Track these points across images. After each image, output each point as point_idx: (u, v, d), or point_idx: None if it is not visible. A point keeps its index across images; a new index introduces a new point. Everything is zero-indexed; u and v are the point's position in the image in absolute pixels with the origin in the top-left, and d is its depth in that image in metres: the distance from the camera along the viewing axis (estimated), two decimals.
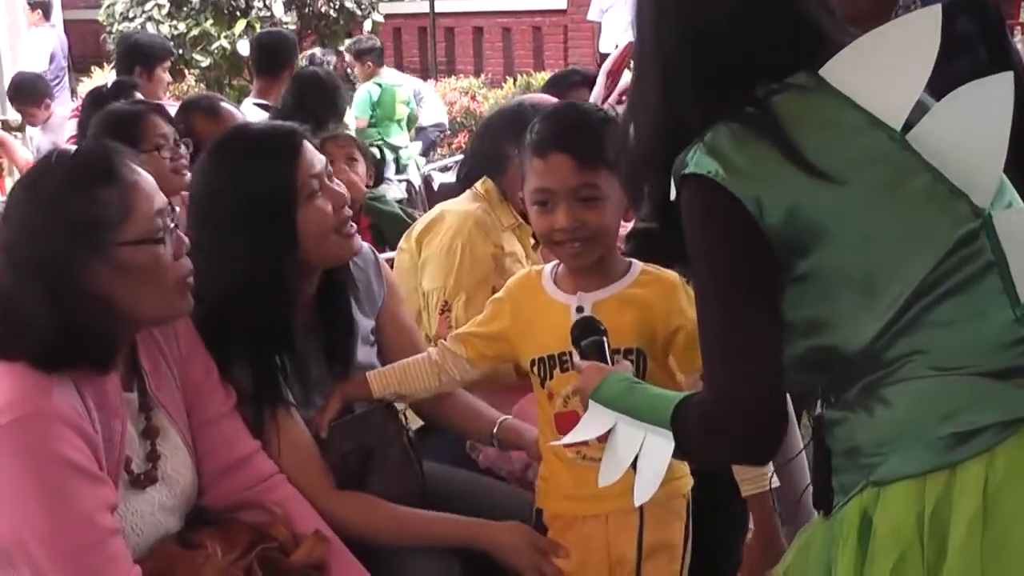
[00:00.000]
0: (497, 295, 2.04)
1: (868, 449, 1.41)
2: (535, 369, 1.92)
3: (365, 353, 2.16)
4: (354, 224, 2.04)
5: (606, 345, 1.76)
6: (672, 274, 1.89)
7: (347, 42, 8.66)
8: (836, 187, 1.38)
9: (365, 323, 2.17)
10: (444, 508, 2.02)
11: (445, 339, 2.07)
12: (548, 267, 1.97)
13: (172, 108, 4.28)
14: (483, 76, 11.71)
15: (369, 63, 7.59)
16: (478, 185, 2.68)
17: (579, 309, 1.85)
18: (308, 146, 1.98)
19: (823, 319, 1.42)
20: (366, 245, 2.27)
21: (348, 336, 2.10)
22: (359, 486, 1.99)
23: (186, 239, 1.77)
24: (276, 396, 1.95)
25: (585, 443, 1.81)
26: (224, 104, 3.48)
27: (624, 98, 2.84)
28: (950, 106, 1.44)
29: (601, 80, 2.80)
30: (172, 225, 1.73)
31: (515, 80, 9.35)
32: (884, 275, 1.38)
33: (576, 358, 1.77)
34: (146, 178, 1.73)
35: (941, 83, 1.43)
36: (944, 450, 1.36)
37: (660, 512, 1.89)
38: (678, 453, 1.53)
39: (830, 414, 1.46)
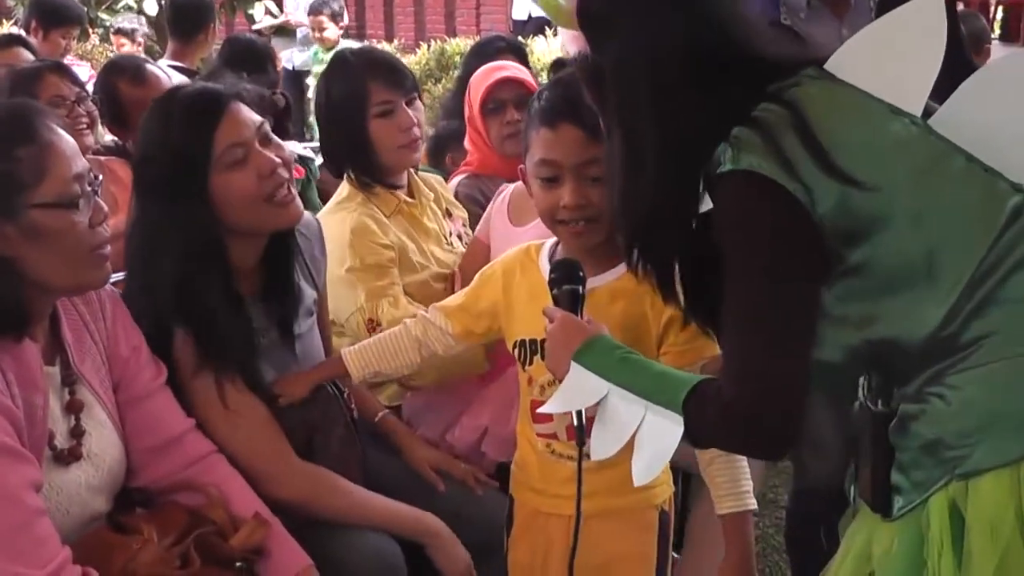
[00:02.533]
0: (489, 267, 1.95)
1: (952, 441, 1.37)
2: (516, 351, 1.84)
3: (308, 325, 2.10)
4: (291, 189, 1.94)
5: (582, 297, 1.69)
6: None
7: None
8: (871, 188, 1.36)
9: (309, 292, 2.11)
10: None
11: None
12: (548, 244, 1.87)
13: (79, 69, 4.14)
14: (395, 42, 11.54)
15: None
16: (342, 186, 2.50)
17: (556, 299, 1.73)
18: (236, 110, 1.88)
19: (880, 311, 1.39)
20: (309, 214, 2.19)
21: (292, 305, 2.02)
22: None
23: (104, 206, 1.68)
24: (222, 367, 1.87)
25: (555, 436, 1.77)
26: (150, 67, 3.34)
27: None
28: (974, 87, 1.43)
29: None
30: (91, 190, 1.65)
31: (429, 46, 9.21)
32: (944, 254, 1.36)
33: (549, 303, 1.70)
34: (66, 140, 1.65)
35: None
36: None
37: (628, 521, 1.82)
38: (686, 437, 1.48)
39: (905, 408, 1.42)
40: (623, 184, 1.51)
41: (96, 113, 3.09)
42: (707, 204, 1.45)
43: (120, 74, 3.26)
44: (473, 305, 1.92)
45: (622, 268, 1.76)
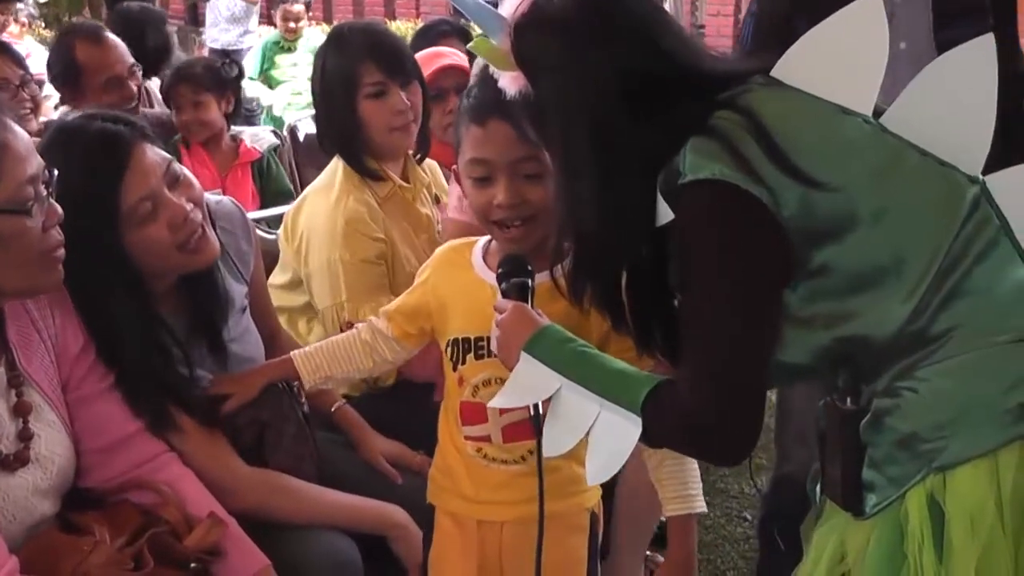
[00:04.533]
0: (422, 267, 1.90)
1: (927, 434, 1.38)
2: (448, 351, 1.78)
3: (242, 322, 2.06)
4: (204, 230, 1.86)
5: (531, 290, 1.66)
6: None
7: None
8: (833, 189, 1.37)
9: (238, 290, 2.06)
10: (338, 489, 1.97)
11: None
12: (481, 241, 1.81)
13: (18, 45, 4.03)
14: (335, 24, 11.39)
15: None
16: (336, 163, 2.45)
17: (504, 292, 1.70)
18: (141, 156, 1.78)
19: (847, 309, 1.39)
20: (228, 200, 2.16)
21: (219, 312, 1.97)
22: (255, 462, 1.91)
23: (58, 208, 1.62)
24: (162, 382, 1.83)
25: (488, 439, 1.73)
26: (107, 33, 3.26)
27: None
28: (925, 82, 1.44)
29: None
30: (45, 192, 1.59)
31: None
32: (909, 250, 1.37)
33: (498, 298, 1.67)
34: (22, 139, 1.59)
35: (938, 45, 1.43)
36: (1013, 422, 1.34)
37: (562, 526, 1.76)
38: (642, 439, 1.47)
39: (879, 403, 1.42)
40: (569, 217, 1.51)
41: (40, 97, 3.01)
42: (665, 216, 1.44)
43: (77, 35, 3.19)
44: (405, 306, 1.86)
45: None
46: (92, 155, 1.77)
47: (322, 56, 2.48)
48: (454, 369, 1.77)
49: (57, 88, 3.20)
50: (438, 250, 1.88)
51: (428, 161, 2.66)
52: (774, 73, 1.48)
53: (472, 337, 1.74)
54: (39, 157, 1.61)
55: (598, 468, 1.52)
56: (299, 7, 6.48)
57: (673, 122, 1.42)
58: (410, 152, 2.54)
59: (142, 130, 1.83)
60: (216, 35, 7.89)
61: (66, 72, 3.10)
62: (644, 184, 1.44)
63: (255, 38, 7.80)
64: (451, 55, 3.02)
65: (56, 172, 1.63)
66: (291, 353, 1.94)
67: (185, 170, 1.89)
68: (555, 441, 1.56)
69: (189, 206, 1.83)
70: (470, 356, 1.74)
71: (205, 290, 1.95)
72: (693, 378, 1.41)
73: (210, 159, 3.48)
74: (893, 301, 1.37)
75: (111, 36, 3.23)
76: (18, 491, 1.63)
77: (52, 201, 1.61)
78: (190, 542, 1.69)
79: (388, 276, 2.37)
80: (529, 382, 1.57)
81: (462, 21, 4.16)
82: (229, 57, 7.74)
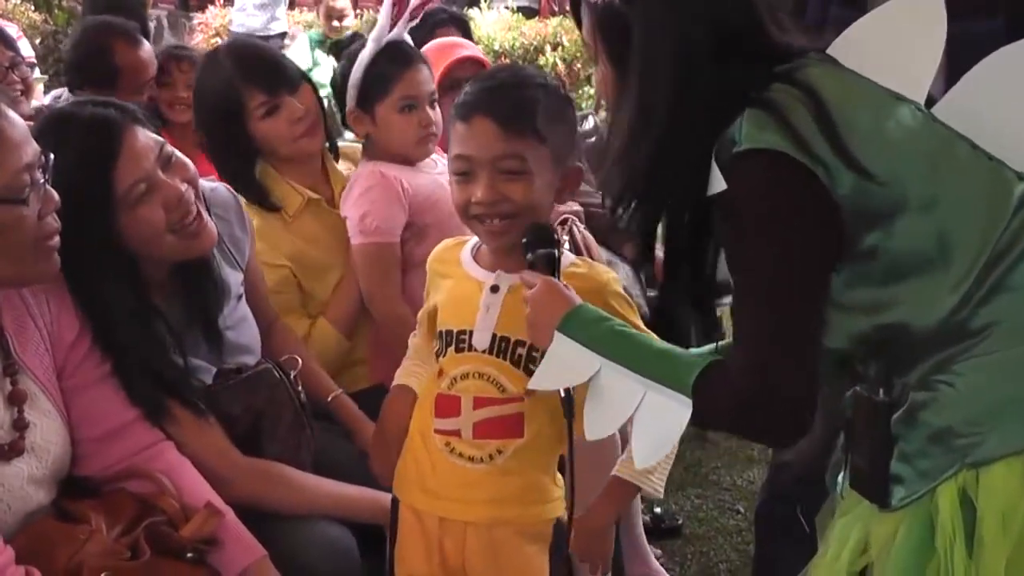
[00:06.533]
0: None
1: (962, 429, 1.37)
2: (435, 344, 1.78)
3: (235, 308, 2.05)
4: (201, 214, 1.86)
5: (557, 261, 1.64)
6: (603, 271, 1.77)
7: None
8: (883, 183, 1.35)
9: (234, 277, 2.06)
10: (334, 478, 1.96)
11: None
12: (472, 240, 1.81)
13: (8, 29, 3.98)
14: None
15: None
16: None
17: (493, 289, 1.71)
18: (133, 140, 1.78)
19: (890, 296, 1.38)
20: (222, 187, 2.15)
21: (214, 300, 1.96)
22: (250, 450, 1.90)
23: (55, 195, 1.61)
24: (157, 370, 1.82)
25: (458, 433, 1.71)
26: (141, 36, 3.24)
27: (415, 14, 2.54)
28: (979, 76, 1.43)
29: (387, 8, 2.41)
30: (42, 179, 1.58)
31: (361, 16, 9.03)
32: (956, 240, 1.36)
33: (525, 271, 1.64)
34: (17, 126, 1.58)
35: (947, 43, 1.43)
36: None
37: (520, 534, 1.74)
38: (693, 421, 1.43)
39: (914, 396, 1.41)
40: (628, 139, 1.47)
41: (31, 79, 2.97)
42: (715, 186, 1.41)
43: (113, 35, 3.16)
44: (422, 316, 1.87)
45: None
46: (85, 140, 1.76)
47: (198, 81, 2.42)
48: (436, 360, 1.77)
49: (81, 84, 3.14)
50: (431, 256, 1.87)
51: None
52: (830, 51, 1.46)
53: (455, 330, 1.73)
54: (35, 144, 1.59)
55: (647, 451, 1.48)
56: (344, 2, 5.85)
57: (735, 86, 1.40)
58: (327, 149, 2.51)
59: (133, 114, 1.83)
60: (242, 20, 7.71)
61: (100, 72, 3.05)
62: (708, 134, 1.41)
63: (282, 26, 7.70)
64: (468, 46, 3.02)
65: (52, 157, 1.62)
66: (403, 384, 1.86)
67: (178, 152, 1.88)
68: (596, 424, 1.53)
69: (184, 186, 1.83)
70: (451, 349, 1.73)
71: (200, 278, 1.94)
72: (743, 356, 1.38)
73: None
74: (939, 291, 1.36)
75: (143, 39, 3.21)
76: (13, 480, 1.62)
77: (48, 188, 1.60)
78: (186, 532, 1.68)
79: (298, 295, 2.39)
80: (567, 362, 1.53)
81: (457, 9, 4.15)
82: None
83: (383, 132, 2.44)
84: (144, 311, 1.83)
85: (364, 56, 2.41)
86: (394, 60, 2.41)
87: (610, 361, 1.49)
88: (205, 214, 1.88)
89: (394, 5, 2.41)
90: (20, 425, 1.64)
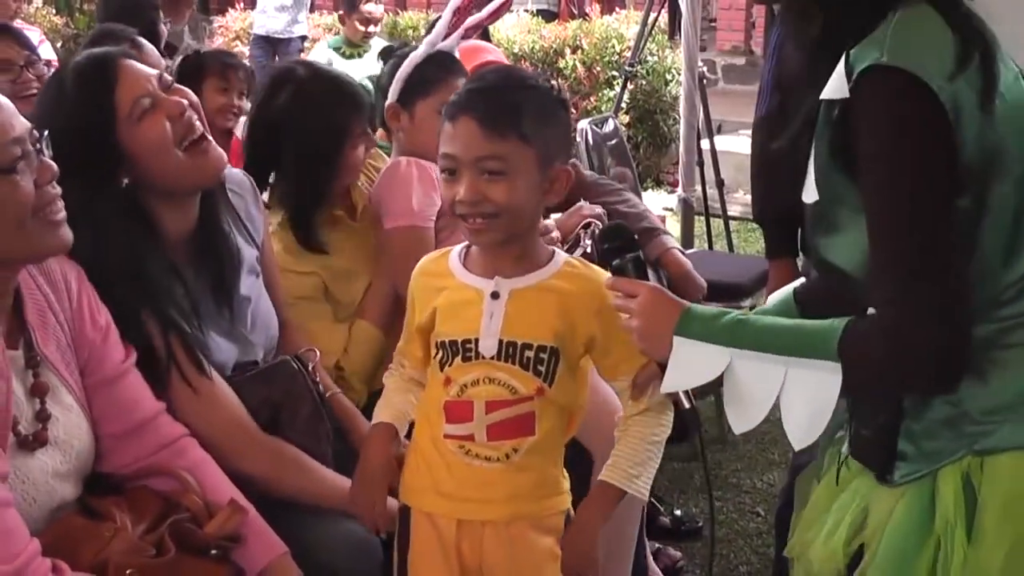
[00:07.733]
0: (408, 290, 1.86)
1: (977, 417, 1.36)
2: (437, 353, 1.75)
3: (251, 284, 2.07)
4: (208, 138, 1.89)
5: (643, 262, 1.62)
6: (598, 272, 1.74)
7: None
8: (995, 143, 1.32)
9: (249, 252, 2.08)
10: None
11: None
12: (456, 249, 1.80)
13: (30, 33, 4.02)
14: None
15: None
16: None
17: (494, 295, 1.71)
18: (129, 66, 1.86)
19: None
20: (239, 172, 2.18)
21: (231, 268, 1.99)
22: None
23: (53, 165, 1.62)
24: (176, 345, 1.84)
25: (471, 437, 1.70)
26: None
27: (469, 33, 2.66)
28: None
29: (447, 17, 2.57)
30: (37, 148, 1.60)
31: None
32: None
33: (615, 279, 1.63)
34: (3, 106, 1.59)
35: None
36: None
37: (534, 528, 1.74)
38: (845, 384, 1.36)
39: None
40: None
41: (47, 77, 2.99)
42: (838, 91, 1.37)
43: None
44: (407, 334, 1.85)
45: (551, 268, 1.74)
46: (83, 76, 1.84)
47: (301, 116, 2.36)
48: (440, 370, 1.75)
49: None
50: (414, 271, 1.85)
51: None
52: None
53: (459, 340, 1.72)
54: (24, 121, 1.61)
55: (802, 429, 1.43)
56: (379, 7, 5.89)
57: None
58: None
59: (125, 52, 1.92)
60: (263, 22, 7.75)
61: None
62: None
63: (303, 29, 7.72)
64: (492, 51, 3.04)
65: (47, 132, 1.64)
66: (381, 422, 1.85)
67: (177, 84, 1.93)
68: (742, 417, 1.48)
69: (185, 102, 1.88)
70: (458, 359, 1.72)
71: (216, 243, 1.98)
72: (886, 291, 1.33)
73: None
74: (997, 267, 1.35)
75: (145, 43, 3.19)
76: (38, 473, 1.62)
77: (45, 159, 1.61)
78: (210, 529, 1.68)
79: (327, 304, 2.41)
80: (695, 363, 1.49)
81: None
82: (273, 47, 7.69)
83: (417, 129, 2.54)
84: (164, 268, 1.86)
85: (416, 55, 2.55)
86: (442, 66, 2.55)
87: (741, 350, 1.44)
88: (213, 142, 1.92)
89: (454, 14, 2.58)
90: (43, 416, 1.65)
